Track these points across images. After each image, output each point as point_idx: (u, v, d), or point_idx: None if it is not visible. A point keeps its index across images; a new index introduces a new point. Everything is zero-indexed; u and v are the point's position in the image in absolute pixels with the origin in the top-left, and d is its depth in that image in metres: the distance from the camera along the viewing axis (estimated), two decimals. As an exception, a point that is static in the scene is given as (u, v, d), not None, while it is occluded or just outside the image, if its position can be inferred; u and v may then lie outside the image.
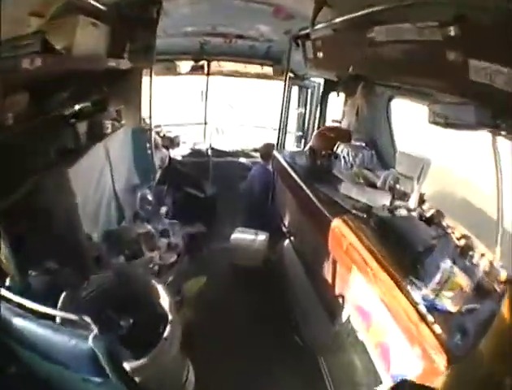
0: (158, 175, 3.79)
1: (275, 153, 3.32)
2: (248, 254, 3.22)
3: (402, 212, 2.05)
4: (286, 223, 3.19)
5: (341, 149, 2.69)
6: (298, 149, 4.17)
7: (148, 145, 3.10)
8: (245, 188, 3.88)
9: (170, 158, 4.24)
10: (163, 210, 3.58)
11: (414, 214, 2.04)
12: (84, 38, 2.01)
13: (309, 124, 4.43)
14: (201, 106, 4.59)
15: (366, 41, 1.99)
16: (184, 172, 3.99)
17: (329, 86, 3.54)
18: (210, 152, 4.42)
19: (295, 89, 4.36)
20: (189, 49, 4.05)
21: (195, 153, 4.47)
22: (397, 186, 2.27)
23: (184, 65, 4.43)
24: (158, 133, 4.46)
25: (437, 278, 1.41)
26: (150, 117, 2.99)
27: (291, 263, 3.06)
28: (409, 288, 1.47)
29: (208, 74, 4.44)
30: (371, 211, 2.03)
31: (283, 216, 3.26)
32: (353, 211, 2.08)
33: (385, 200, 2.18)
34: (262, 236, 3.30)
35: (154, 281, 1.85)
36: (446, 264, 1.44)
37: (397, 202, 2.16)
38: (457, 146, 2.48)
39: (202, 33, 3.69)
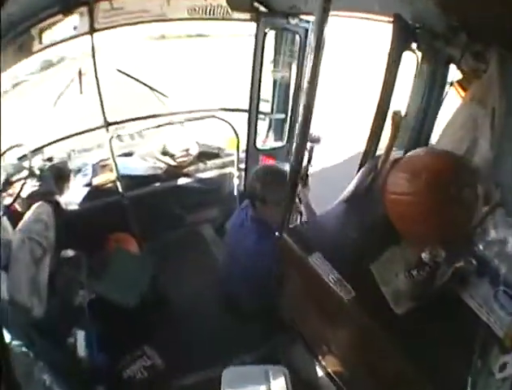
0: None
1: (285, 237, 1.32)
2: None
3: None
4: (320, 356, 1.43)
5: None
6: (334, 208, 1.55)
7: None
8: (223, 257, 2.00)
9: (58, 214, 2.04)
10: (80, 336, 1.57)
11: None
12: None
13: (295, 101, 2.49)
14: (90, 95, 2.34)
15: None
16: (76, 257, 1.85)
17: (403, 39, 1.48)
18: (121, 185, 2.24)
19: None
20: None
21: (98, 190, 2.35)
22: None
23: (51, 30, 2.06)
24: (34, 173, 2.12)
25: None
26: None
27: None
28: None
29: (92, 30, 2.08)
30: None
31: (309, 339, 1.48)
32: None
33: None
34: (278, 383, 1.49)
35: None
36: None
37: None
38: None
39: None
